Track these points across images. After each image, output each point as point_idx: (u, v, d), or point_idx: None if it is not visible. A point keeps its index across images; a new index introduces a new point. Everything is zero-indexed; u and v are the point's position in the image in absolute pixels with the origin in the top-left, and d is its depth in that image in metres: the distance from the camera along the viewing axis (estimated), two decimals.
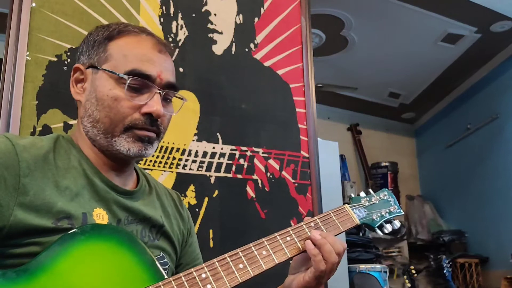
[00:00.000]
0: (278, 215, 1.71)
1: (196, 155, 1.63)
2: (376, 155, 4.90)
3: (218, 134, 1.69)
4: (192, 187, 1.59)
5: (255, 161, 1.74)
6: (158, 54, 0.90)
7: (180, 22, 1.71)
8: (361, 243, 3.37)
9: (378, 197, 1.08)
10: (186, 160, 1.61)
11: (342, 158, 4.45)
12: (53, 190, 0.79)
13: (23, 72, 1.37)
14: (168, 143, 1.59)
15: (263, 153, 1.76)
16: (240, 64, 1.80)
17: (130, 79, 0.85)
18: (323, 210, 1.79)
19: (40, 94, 1.39)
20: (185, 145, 1.62)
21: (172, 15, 1.70)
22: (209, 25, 1.77)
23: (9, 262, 0.73)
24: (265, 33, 1.88)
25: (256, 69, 1.83)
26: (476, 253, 4.22)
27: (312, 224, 0.93)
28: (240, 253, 0.82)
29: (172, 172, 1.57)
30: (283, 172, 1.78)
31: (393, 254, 4.11)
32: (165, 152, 1.57)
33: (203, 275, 0.77)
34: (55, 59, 1.43)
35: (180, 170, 1.59)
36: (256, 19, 1.87)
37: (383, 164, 4.83)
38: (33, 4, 1.42)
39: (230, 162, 1.69)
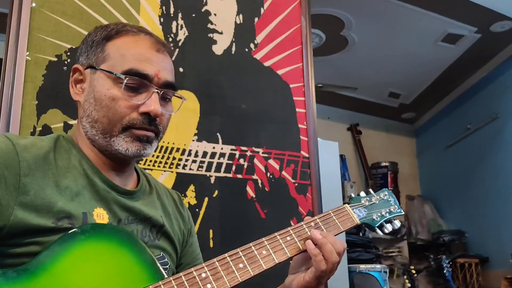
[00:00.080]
0: (278, 215, 1.71)
1: (196, 155, 1.63)
2: (376, 155, 4.90)
3: (218, 134, 1.69)
4: (192, 187, 1.59)
5: (255, 161, 1.74)
6: (156, 53, 0.90)
7: (180, 22, 1.71)
8: (361, 243, 3.37)
9: (378, 197, 1.07)
10: (186, 160, 1.61)
11: (342, 158, 4.45)
12: (53, 189, 0.79)
13: (23, 72, 1.37)
14: (168, 143, 1.59)
15: (263, 153, 1.76)
16: (240, 64, 1.80)
17: (127, 78, 0.85)
18: (323, 210, 1.79)
19: (40, 94, 1.39)
20: (185, 145, 1.62)
21: (172, 15, 1.70)
22: (209, 25, 1.77)
23: (9, 261, 0.73)
24: (265, 33, 1.88)
25: (256, 69, 1.83)
26: (476, 253, 4.22)
27: (312, 223, 0.93)
28: (240, 252, 0.82)
29: (172, 172, 1.57)
30: (283, 172, 1.78)
31: (393, 254, 4.11)
32: (165, 152, 1.58)
33: (203, 275, 0.77)
34: (55, 59, 1.43)
35: (180, 170, 1.59)
36: (256, 19, 1.87)
37: (383, 164, 4.83)
38: (33, 4, 1.42)
39: (230, 162, 1.69)
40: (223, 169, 1.67)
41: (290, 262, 0.95)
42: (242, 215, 1.66)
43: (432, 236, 4.54)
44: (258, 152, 1.75)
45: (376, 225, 1.03)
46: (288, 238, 0.89)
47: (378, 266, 2.80)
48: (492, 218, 4.05)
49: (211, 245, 1.57)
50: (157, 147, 0.93)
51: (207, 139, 1.67)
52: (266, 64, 1.85)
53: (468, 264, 4.08)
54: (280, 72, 1.87)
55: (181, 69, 1.66)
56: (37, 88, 1.39)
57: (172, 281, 0.74)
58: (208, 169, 1.64)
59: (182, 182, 1.57)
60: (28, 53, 1.39)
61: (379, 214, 1.04)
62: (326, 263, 0.86)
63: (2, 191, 0.74)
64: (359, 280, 2.67)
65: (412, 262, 4.13)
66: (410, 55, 3.88)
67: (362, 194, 1.07)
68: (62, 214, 0.77)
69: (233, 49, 1.80)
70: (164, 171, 1.56)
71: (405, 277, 3.80)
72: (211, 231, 1.58)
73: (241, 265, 0.81)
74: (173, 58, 1.62)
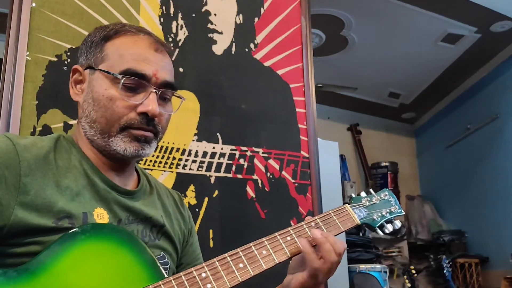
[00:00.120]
0: (278, 215, 1.71)
1: (196, 155, 1.63)
2: (376, 155, 4.90)
3: (218, 134, 1.69)
4: (192, 187, 1.59)
5: (255, 161, 1.74)
6: (155, 53, 0.90)
7: (180, 22, 1.71)
8: (361, 243, 3.37)
9: (378, 197, 1.07)
10: (186, 160, 1.61)
11: (342, 158, 4.45)
12: (53, 189, 0.79)
13: (23, 72, 1.37)
14: (168, 143, 1.59)
15: (263, 153, 1.76)
16: (240, 64, 1.80)
17: (125, 78, 0.85)
18: (323, 210, 1.79)
19: (40, 94, 1.39)
20: (185, 145, 1.62)
21: (172, 15, 1.70)
22: (209, 25, 1.77)
23: (9, 261, 0.73)
24: (265, 33, 1.88)
25: (256, 69, 1.83)
26: (476, 253, 4.22)
27: (313, 223, 0.93)
28: (240, 252, 0.82)
29: (172, 172, 1.57)
30: (283, 172, 1.78)
31: (393, 254, 4.11)
32: (165, 152, 1.57)
33: (203, 275, 0.77)
34: (55, 59, 1.43)
35: (180, 170, 1.59)
36: (256, 19, 1.87)
37: (383, 164, 4.84)
38: (33, 4, 1.42)
39: (230, 162, 1.69)
40: (223, 169, 1.67)
41: (290, 262, 0.95)
42: (242, 215, 1.66)
43: (432, 236, 4.54)
44: (258, 152, 1.75)
45: (377, 225, 1.03)
46: (288, 238, 0.89)
47: (378, 266, 2.80)
48: (492, 218, 4.05)
49: (211, 245, 1.57)
50: (157, 147, 0.93)
51: (207, 139, 1.67)
52: (266, 64, 1.85)
53: (468, 264, 4.08)
54: (280, 72, 1.87)
55: (181, 69, 1.66)
56: (37, 88, 1.39)
57: (172, 281, 0.74)
58: (208, 169, 1.64)
59: (182, 182, 1.57)
60: (28, 53, 1.39)
61: (379, 214, 1.04)
62: (324, 262, 0.85)
63: (2, 191, 0.74)
64: (359, 280, 2.67)
65: (412, 262, 4.13)
66: (410, 55, 3.88)
67: (363, 194, 1.07)
68: (62, 214, 0.77)
69: (233, 49, 1.80)
70: (164, 171, 1.56)
71: (405, 277, 3.80)
72: (211, 231, 1.58)
73: (241, 265, 0.81)
74: (173, 58, 1.62)
